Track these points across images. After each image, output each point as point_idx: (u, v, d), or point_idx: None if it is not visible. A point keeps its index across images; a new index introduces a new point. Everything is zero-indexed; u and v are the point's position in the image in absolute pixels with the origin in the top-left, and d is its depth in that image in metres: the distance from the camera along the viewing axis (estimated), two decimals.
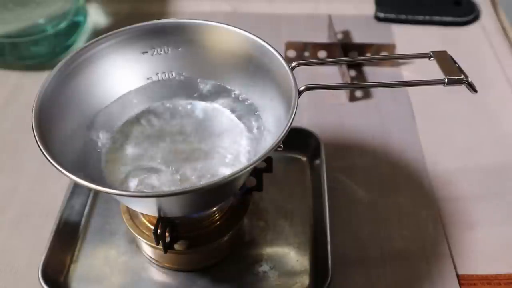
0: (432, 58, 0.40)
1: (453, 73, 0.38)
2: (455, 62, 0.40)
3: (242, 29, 0.40)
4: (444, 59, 0.40)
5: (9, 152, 0.53)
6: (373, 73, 0.61)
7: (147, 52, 0.42)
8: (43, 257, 0.41)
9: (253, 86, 0.41)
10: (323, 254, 0.42)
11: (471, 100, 0.58)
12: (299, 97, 0.36)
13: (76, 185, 0.47)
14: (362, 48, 0.62)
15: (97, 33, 0.64)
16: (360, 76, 0.61)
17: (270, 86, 0.39)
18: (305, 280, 0.42)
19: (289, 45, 0.62)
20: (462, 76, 0.38)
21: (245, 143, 0.40)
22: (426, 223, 0.47)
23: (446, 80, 0.38)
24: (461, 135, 0.54)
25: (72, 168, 0.34)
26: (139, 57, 0.42)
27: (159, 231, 0.37)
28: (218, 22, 0.41)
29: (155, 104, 0.42)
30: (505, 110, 0.57)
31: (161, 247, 0.39)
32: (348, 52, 0.62)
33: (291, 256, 0.44)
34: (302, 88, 0.37)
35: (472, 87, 0.38)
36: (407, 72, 0.61)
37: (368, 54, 0.62)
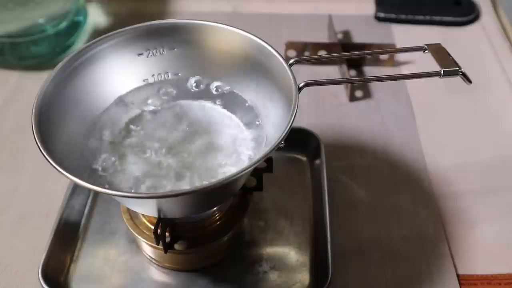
0: (426, 51, 0.40)
1: (448, 65, 0.39)
2: (449, 54, 0.40)
3: (237, 28, 0.40)
4: (439, 52, 0.40)
5: (9, 152, 0.53)
6: (372, 73, 0.61)
7: (142, 53, 0.42)
8: (43, 257, 0.41)
9: (251, 85, 0.41)
10: (323, 254, 0.42)
11: (471, 100, 0.58)
12: (299, 93, 0.36)
13: (76, 185, 0.47)
14: (362, 48, 0.62)
15: (97, 33, 0.64)
16: (360, 76, 0.61)
17: (269, 84, 0.39)
18: (305, 280, 0.42)
19: (289, 45, 0.62)
20: (457, 68, 0.38)
21: (245, 142, 0.40)
22: (426, 222, 0.47)
23: (442, 72, 0.38)
24: (461, 135, 0.54)
25: (72, 168, 0.34)
26: (135, 59, 0.42)
27: (159, 231, 0.37)
28: (213, 22, 0.41)
29: (152, 106, 0.42)
30: (505, 110, 0.57)
31: (161, 247, 0.39)
32: (348, 52, 0.62)
33: (291, 256, 0.44)
34: (302, 84, 0.37)
35: (466, 78, 0.38)
36: (407, 71, 0.61)
37: (368, 55, 0.62)
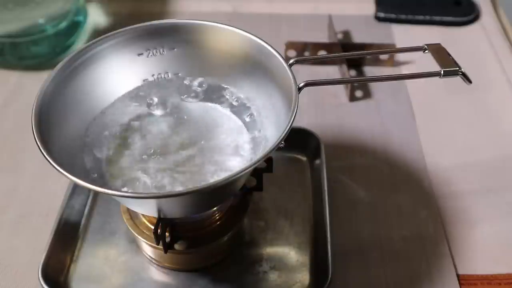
0: (426, 51, 0.40)
1: (448, 65, 0.39)
2: (449, 54, 0.40)
3: (237, 28, 0.40)
4: (439, 52, 0.40)
5: (9, 152, 0.53)
6: (372, 73, 0.61)
7: (142, 53, 0.42)
8: (43, 257, 0.41)
9: (251, 85, 0.41)
10: (323, 254, 0.42)
11: (471, 100, 0.58)
12: (299, 93, 0.36)
13: (76, 185, 0.47)
14: (362, 48, 0.62)
15: (97, 33, 0.64)
16: (360, 76, 0.61)
17: (269, 84, 0.39)
18: (305, 280, 0.42)
19: (289, 45, 0.62)
20: (457, 68, 0.38)
21: (245, 143, 0.40)
22: (426, 222, 0.47)
23: (442, 72, 0.38)
24: (461, 135, 0.54)
25: (72, 168, 0.34)
26: (135, 59, 0.42)
27: (159, 231, 0.37)
28: (213, 22, 0.41)
29: (152, 106, 0.42)
30: (505, 110, 0.57)
31: (161, 247, 0.39)
32: (348, 52, 0.62)
33: (291, 256, 0.44)
34: (302, 84, 0.37)
35: (466, 78, 0.38)
36: (407, 71, 0.61)
37: (368, 55, 0.62)
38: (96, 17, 0.68)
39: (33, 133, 0.34)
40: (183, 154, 0.39)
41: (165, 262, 0.43)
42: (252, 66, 0.40)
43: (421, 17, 0.67)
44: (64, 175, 0.32)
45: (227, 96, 0.42)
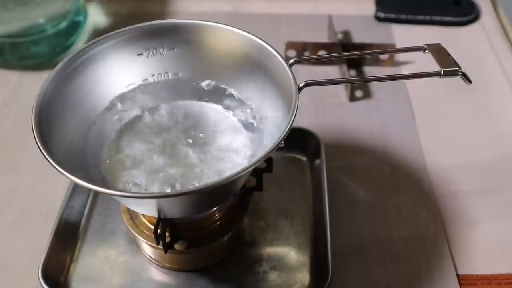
0: (426, 51, 0.40)
1: (448, 65, 0.39)
2: (449, 54, 0.40)
3: (237, 28, 0.40)
4: (439, 52, 0.40)
5: (9, 152, 0.53)
6: (372, 73, 0.61)
7: (142, 54, 0.42)
8: (43, 257, 0.41)
9: (251, 85, 0.41)
10: (323, 254, 0.42)
11: (471, 100, 0.58)
12: (299, 93, 0.36)
13: (76, 185, 0.47)
14: (362, 48, 0.62)
15: (97, 33, 0.64)
16: (360, 76, 0.61)
17: (269, 84, 0.39)
18: (305, 280, 0.42)
19: (289, 45, 0.62)
20: (457, 68, 0.38)
21: (245, 143, 0.40)
22: (426, 223, 0.47)
23: (442, 72, 0.38)
24: (461, 135, 0.54)
25: (72, 168, 0.34)
26: (135, 59, 0.42)
27: (159, 231, 0.37)
28: (213, 22, 0.41)
29: (152, 106, 0.42)
30: (505, 110, 0.57)
31: (161, 247, 0.39)
32: (348, 52, 0.62)
33: (291, 256, 0.44)
34: (302, 84, 0.37)
35: (466, 78, 0.38)
36: (407, 72, 0.61)
37: (368, 55, 0.62)
38: (96, 17, 0.68)
39: (33, 133, 0.34)
40: (182, 154, 0.39)
41: (165, 262, 0.43)
42: (252, 66, 0.40)
43: (421, 17, 0.67)
44: (64, 175, 0.32)
45: (227, 96, 0.42)
